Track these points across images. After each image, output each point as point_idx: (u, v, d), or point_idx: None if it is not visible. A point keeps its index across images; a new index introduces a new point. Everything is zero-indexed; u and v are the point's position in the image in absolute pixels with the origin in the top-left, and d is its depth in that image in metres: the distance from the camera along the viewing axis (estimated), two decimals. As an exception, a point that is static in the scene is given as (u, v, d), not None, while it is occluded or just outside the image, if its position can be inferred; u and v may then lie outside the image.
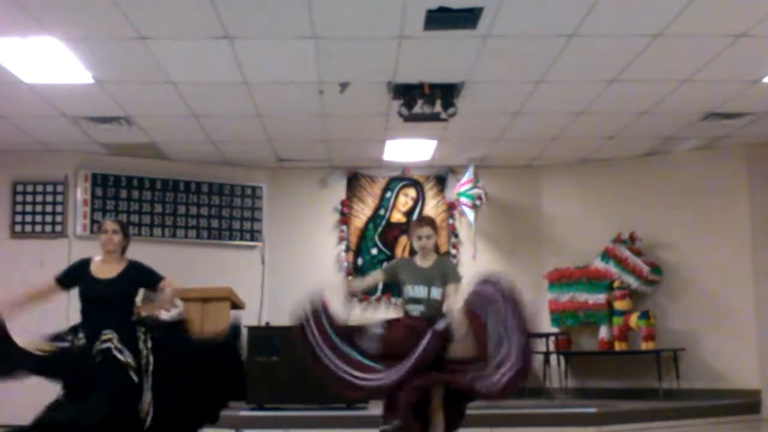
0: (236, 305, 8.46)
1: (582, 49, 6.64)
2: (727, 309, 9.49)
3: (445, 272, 5.48)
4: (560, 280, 10.18)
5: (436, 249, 5.60)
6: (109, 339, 4.85)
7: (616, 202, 10.28)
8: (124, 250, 5.22)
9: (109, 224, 5.20)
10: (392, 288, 10.12)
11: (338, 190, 10.67)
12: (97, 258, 5.19)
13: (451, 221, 10.70)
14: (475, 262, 10.35)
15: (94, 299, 5.03)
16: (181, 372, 4.95)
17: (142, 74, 7.12)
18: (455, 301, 5.36)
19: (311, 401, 7.89)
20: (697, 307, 9.67)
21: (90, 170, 9.60)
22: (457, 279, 5.52)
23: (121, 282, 5.09)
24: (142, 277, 5.21)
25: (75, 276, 5.14)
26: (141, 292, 5.36)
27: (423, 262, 5.49)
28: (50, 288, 5.13)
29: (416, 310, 5.38)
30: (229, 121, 8.58)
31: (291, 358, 7.97)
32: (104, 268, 5.12)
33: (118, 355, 4.81)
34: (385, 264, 5.60)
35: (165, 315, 5.43)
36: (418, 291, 5.39)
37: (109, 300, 5.02)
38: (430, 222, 5.63)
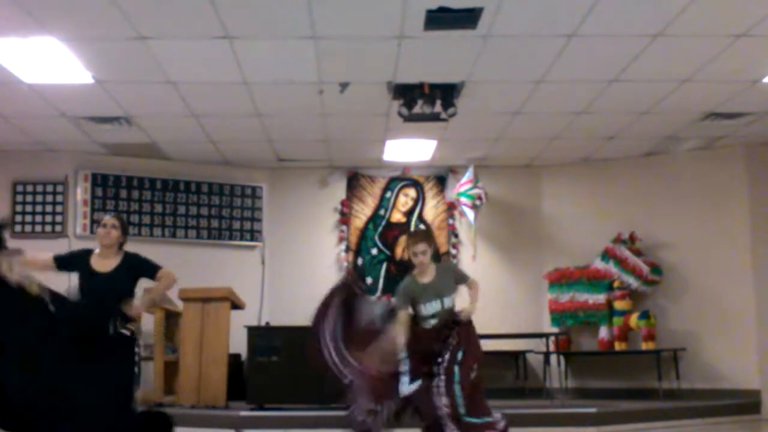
0: (236, 305, 8.48)
1: (582, 49, 6.64)
2: (727, 309, 9.49)
3: (452, 277, 5.52)
4: (560, 280, 10.18)
5: (436, 252, 5.63)
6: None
7: (616, 202, 10.28)
8: (121, 245, 5.23)
9: (108, 219, 5.25)
10: (392, 288, 10.12)
11: (338, 190, 10.67)
12: (97, 250, 5.22)
13: (451, 221, 10.69)
14: (475, 262, 10.37)
15: (91, 291, 5.05)
16: None
17: (142, 74, 7.12)
18: (476, 293, 5.59)
19: (311, 401, 7.88)
20: (697, 307, 9.67)
21: (90, 170, 9.61)
22: (467, 277, 5.69)
23: (117, 275, 5.11)
24: (139, 267, 5.22)
25: (73, 262, 5.20)
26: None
27: (425, 277, 5.48)
28: (47, 263, 5.16)
29: (429, 324, 5.40)
30: (229, 121, 8.58)
31: (291, 358, 7.98)
32: (102, 262, 5.15)
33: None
34: (397, 297, 5.55)
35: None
36: (432, 307, 5.41)
37: (105, 294, 5.03)
38: (424, 237, 5.58)
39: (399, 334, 5.31)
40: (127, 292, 5.14)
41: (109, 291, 5.05)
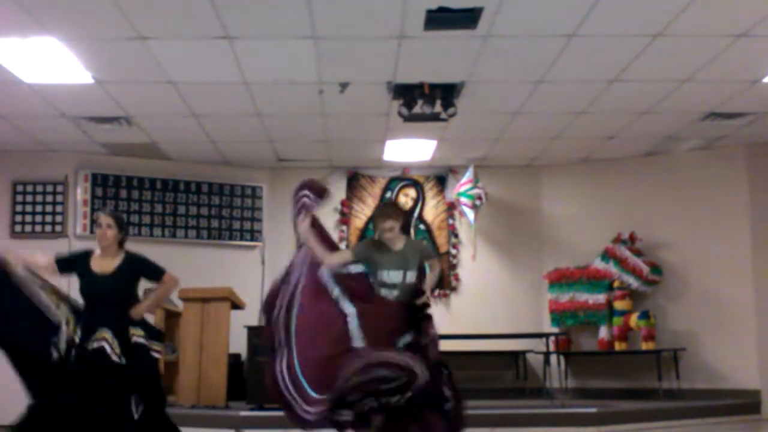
0: (236, 305, 8.48)
1: (582, 49, 6.64)
2: (727, 309, 9.49)
3: (420, 253, 5.43)
4: (560, 280, 10.18)
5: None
6: (104, 338, 4.87)
7: (616, 202, 10.28)
8: (121, 243, 5.19)
9: (103, 219, 5.16)
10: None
11: (338, 190, 10.67)
12: (97, 251, 5.18)
13: (451, 221, 10.69)
14: (475, 262, 10.38)
15: (92, 295, 5.03)
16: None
17: (142, 74, 7.12)
18: (434, 276, 5.46)
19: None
20: (697, 307, 9.67)
21: (90, 170, 9.61)
22: (433, 256, 5.64)
23: (119, 277, 5.07)
24: (142, 269, 5.19)
25: (73, 265, 5.14)
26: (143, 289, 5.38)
27: (393, 246, 5.40)
28: (49, 265, 5.12)
29: (391, 294, 5.29)
30: (229, 121, 8.58)
31: (291, 358, 7.98)
32: (102, 263, 5.10)
33: (113, 357, 4.84)
34: (354, 247, 5.50)
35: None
36: (394, 276, 5.27)
37: (107, 297, 5.01)
38: (390, 213, 5.45)
39: (332, 257, 5.33)
40: (128, 293, 5.12)
41: (109, 292, 5.03)
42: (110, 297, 5.01)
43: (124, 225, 5.21)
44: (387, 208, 5.84)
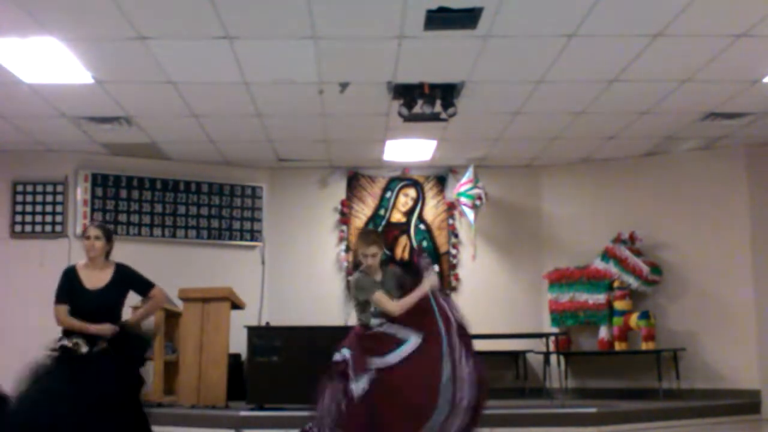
0: (236, 305, 8.48)
1: (582, 49, 6.64)
2: (727, 309, 9.49)
3: (390, 282, 5.48)
4: (560, 280, 10.18)
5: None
6: (106, 347, 4.91)
7: (616, 202, 10.28)
8: (108, 254, 5.19)
9: (91, 230, 5.13)
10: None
11: (338, 190, 10.68)
12: (82, 262, 5.16)
13: (451, 221, 10.69)
14: (475, 262, 10.38)
15: (88, 311, 4.99)
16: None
17: (142, 74, 7.12)
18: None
19: (311, 401, 7.87)
20: (697, 307, 9.67)
21: (90, 170, 9.61)
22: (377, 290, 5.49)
23: (112, 290, 5.07)
24: (132, 282, 5.21)
25: (70, 292, 5.06)
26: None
27: (375, 276, 5.44)
28: (65, 311, 5.03)
29: (378, 322, 5.33)
30: (229, 121, 8.58)
31: (291, 358, 7.99)
32: (93, 276, 5.07)
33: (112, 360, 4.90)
34: (366, 288, 5.43)
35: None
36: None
37: (101, 310, 5.01)
38: (376, 240, 5.51)
39: (395, 302, 5.27)
40: (118, 306, 5.14)
41: (103, 307, 5.01)
42: (104, 311, 5.02)
43: (111, 236, 5.19)
44: (372, 234, 5.90)
